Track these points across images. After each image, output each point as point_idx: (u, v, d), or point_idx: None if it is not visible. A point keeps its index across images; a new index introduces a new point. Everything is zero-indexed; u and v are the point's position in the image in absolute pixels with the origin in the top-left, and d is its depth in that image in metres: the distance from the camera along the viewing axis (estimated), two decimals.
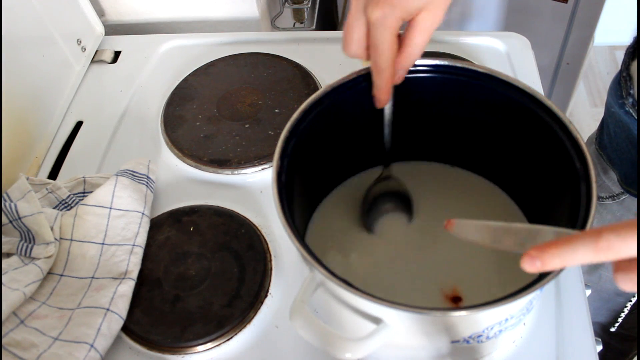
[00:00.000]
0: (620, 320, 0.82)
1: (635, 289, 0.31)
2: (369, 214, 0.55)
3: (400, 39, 0.43)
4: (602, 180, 0.69)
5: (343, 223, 0.56)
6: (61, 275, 0.54)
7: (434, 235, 0.55)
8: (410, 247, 0.54)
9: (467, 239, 0.39)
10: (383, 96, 0.45)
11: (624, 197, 0.68)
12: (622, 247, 0.30)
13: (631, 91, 0.59)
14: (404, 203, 0.55)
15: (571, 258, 0.32)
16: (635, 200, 0.67)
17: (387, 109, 0.48)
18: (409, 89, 0.51)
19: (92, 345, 0.48)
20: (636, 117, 0.60)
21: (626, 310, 0.81)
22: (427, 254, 0.53)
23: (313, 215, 0.56)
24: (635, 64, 0.59)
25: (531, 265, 0.32)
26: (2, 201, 0.55)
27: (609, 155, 0.68)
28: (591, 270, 0.77)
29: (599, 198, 0.70)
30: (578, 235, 0.32)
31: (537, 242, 0.36)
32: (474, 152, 0.56)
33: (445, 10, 0.42)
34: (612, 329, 0.85)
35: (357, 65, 0.49)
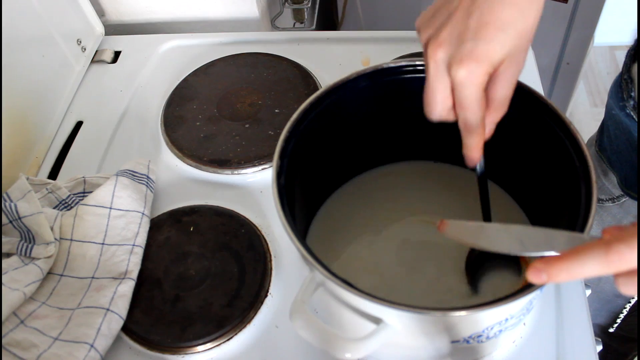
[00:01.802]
0: (619, 321, 0.82)
1: (636, 293, 0.31)
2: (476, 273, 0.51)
3: (486, 93, 0.40)
4: (601, 183, 0.69)
5: (345, 223, 0.56)
6: (61, 275, 0.54)
7: (435, 235, 0.54)
8: (411, 247, 0.54)
9: (461, 240, 0.39)
10: (476, 155, 0.42)
11: (623, 199, 0.68)
12: (633, 258, 0.29)
13: (632, 94, 0.59)
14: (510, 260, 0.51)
15: (579, 272, 0.31)
16: (635, 202, 0.67)
17: (479, 167, 0.45)
18: (409, 89, 0.51)
19: (92, 345, 0.48)
20: (637, 120, 0.60)
21: (625, 311, 0.81)
22: (428, 254, 0.53)
23: (316, 215, 0.56)
24: (636, 67, 0.59)
25: (537, 278, 0.32)
26: (2, 201, 0.55)
27: (609, 157, 0.67)
28: None
29: (599, 200, 0.70)
30: (586, 247, 0.31)
31: (535, 244, 0.35)
32: None
33: (526, 56, 0.40)
34: (611, 330, 0.85)
35: (357, 65, 0.49)
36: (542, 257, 0.32)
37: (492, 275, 0.50)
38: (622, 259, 0.30)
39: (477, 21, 0.37)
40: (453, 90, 0.39)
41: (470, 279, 0.50)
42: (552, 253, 0.34)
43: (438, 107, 0.41)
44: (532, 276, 0.32)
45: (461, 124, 0.41)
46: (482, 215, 0.48)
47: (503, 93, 0.40)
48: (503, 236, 0.37)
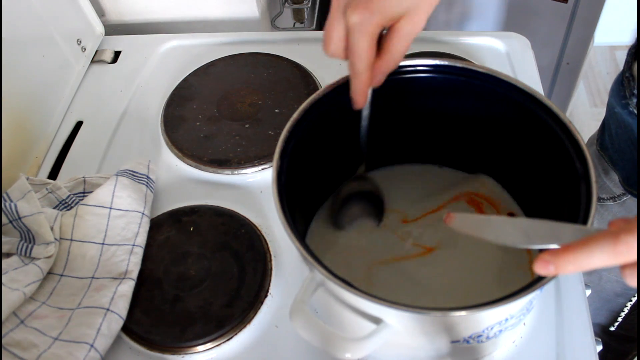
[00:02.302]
0: (620, 320, 0.82)
1: None
2: (340, 212, 0.55)
3: (380, 43, 0.42)
4: (602, 182, 0.69)
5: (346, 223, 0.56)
6: (61, 275, 0.54)
7: (436, 235, 0.55)
8: (412, 246, 0.54)
9: (467, 233, 0.39)
10: (359, 98, 0.45)
11: (625, 198, 0.68)
12: None
13: (634, 91, 0.59)
14: (376, 205, 0.55)
15: (587, 263, 0.31)
16: (636, 201, 0.67)
17: (365, 111, 0.48)
18: (409, 89, 0.51)
19: (92, 345, 0.48)
20: (638, 118, 0.60)
21: (626, 310, 0.81)
22: (429, 255, 0.53)
23: (315, 215, 0.56)
24: (637, 65, 0.59)
25: (544, 270, 0.32)
26: (2, 201, 0.55)
27: (611, 156, 0.67)
28: (591, 271, 0.77)
29: (600, 199, 0.70)
30: (593, 238, 0.31)
31: (540, 236, 0.35)
32: (473, 152, 0.56)
33: (428, 17, 0.41)
34: (612, 328, 0.85)
35: None
36: (549, 249, 0.32)
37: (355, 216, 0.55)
38: (629, 249, 0.30)
39: None
40: (346, 34, 0.42)
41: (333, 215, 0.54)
42: (557, 246, 0.34)
43: (333, 45, 0.43)
44: (539, 267, 0.32)
45: (349, 66, 0.43)
46: (363, 153, 0.52)
47: (396, 47, 0.42)
48: (509, 229, 0.38)
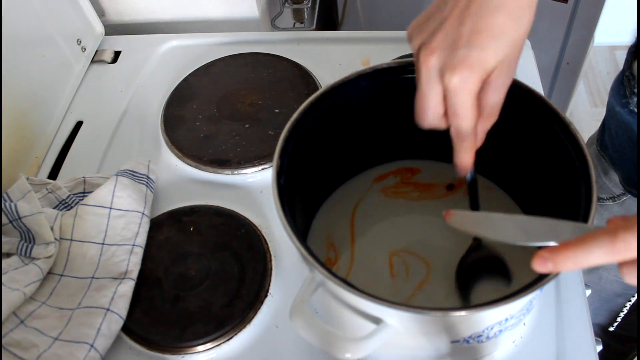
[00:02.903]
0: (619, 320, 0.82)
1: None
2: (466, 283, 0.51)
3: (477, 101, 0.39)
4: (602, 182, 0.69)
5: (346, 223, 0.56)
6: (61, 275, 0.54)
7: (434, 233, 0.55)
8: (413, 247, 0.54)
9: (466, 230, 0.39)
10: (467, 163, 0.42)
11: (624, 198, 0.68)
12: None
13: (635, 90, 0.58)
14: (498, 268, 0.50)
15: (585, 260, 0.31)
16: (636, 201, 0.67)
17: (470, 174, 0.45)
18: (409, 89, 0.51)
19: (92, 345, 0.48)
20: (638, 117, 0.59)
21: (625, 310, 0.81)
22: (430, 253, 0.53)
23: (316, 215, 0.56)
24: (637, 64, 0.59)
25: (542, 267, 0.32)
26: (2, 201, 0.55)
27: (611, 156, 0.67)
28: (591, 271, 0.77)
29: (600, 199, 0.70)
30: (591, 235, 0.31)
31: (539, 233, 0.35)
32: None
33: (517, 64, 0.39)
34: (611, 329, 0.85)
35: (357, 65, 0.49)
36: (549, 247, 0.32)
37: (482, 285, 0.49)
38: (628, 247, 0.30)
39: (470, 28, 0.37)
40: (445, 98, 0.39)
41: (460, 289, 0.50)
42: (557, 243, 0.34)
43: (430, 114, 0.40)
44: (537, 265, 0.32)
45: (453, 131, 0.40)
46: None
47: (495, 100, 0.39)
48: (507, 226, 0.37)
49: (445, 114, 0.40)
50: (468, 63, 0.37)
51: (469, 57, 0.37)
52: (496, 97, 0.39)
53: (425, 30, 0.39)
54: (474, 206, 0.47)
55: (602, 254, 0.30)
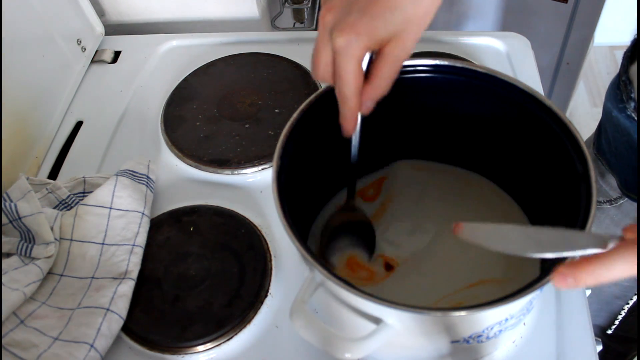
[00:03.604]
0: (617, 322, 0.82)
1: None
2: (329, 245, 0.52)
3: (368, 69, 0.40)
4: (599, 185, 0.69)
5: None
6: (61, 275, 0.54)
7: (434, 233, 0.55)
8: (414, 246, 0.54)
9: (477, 243, 0.38)
10: (349, 125, 0.43)
11: (621, 201, 0.68)
12: None
13: (632, 95, 0.58)
14: (367, 236, 0.53)
15: (607, 275, 0.30)
16: (634, 204, 0.67)
17: (355, 139, 0.46)
18: (409, 89, 0.51)
19: (92, 345, 0.48)
20: (637, 122, 0.59)
21: (623, 312, 0.80)
22: (431, 254, 0.53)
23: (317, 215, 0.56)
24: (634, 67, 0.59)
25: (563, 283, 0.31)
26: (2, 201, 0.55)
27: (608, 160, 0.67)
28: None
29: (597, 203, 0.70)
30: (612, 252, 0.30)
31: (553, 245, 0.34)
32: (473, 152, 0.56)
33: (417, 40, 0.40)
34: (609, 331, 0.85)
35: None
36: (567, 262, 0.32)
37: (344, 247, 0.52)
38: None
39: None
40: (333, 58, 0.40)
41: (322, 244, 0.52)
42: (571, 254, 0.34)
43: (320, 69, 0.41)
44: (558, 281, 0.31)
45: (337, 92, 0.41)
46: (347, 189, 0.50)
47: (384, 72, 0.40)
48: (519, 237, 0.36)
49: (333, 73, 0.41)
50: (355, 28, 0.38)
51: (359, 22, 0.38)
52: (386, 69, 0.40)
53: None
54: (352, 168, 0.48)
55: (625, 267, 0.30)
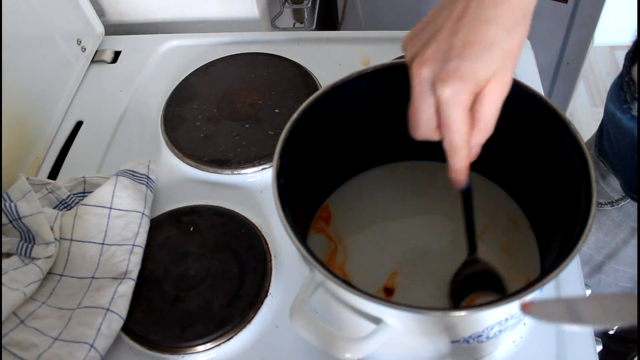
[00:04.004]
0: None
1: None
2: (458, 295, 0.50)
3: (471, 114, 0.39)
4: (600, 187, 0.69)
5: (346, 222, 0.56)
6: (61, 275, 0.54)
7: (433, 234, 0.55)
8: (413, 246, 0.54)
9: (549, 322, 0.36)
10: (461, 177, 0.42)
11: (623, 203, 0.67)
12: None
13: (636, 95, 0.58)
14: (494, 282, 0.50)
15: None
16: (635, 206, 0.66)
17: (465, 187, 0.44)
18: (409, 89, 0.51)
19: (92, 345, 0.48)
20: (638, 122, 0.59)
21: None
22: (429, 254, 0.53)
23: (316, 214, 0.56)
24: (636, 68, 0.58)
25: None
26: (2, 201, 0.55)
27: (611, 161, 0.67)
28: (591, 274, 0.77)
29: (598, 204, 0.69)
30: None
31: (624, 312, 0.33)
32: None
33: (512, 78, 0.39)
34: (611, 332, 0.85)
35: (357, 65, 0.49)
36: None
37: (474, 297, 0.49)
38: None
39: (462, 40, 0.37)
40: (438, 110, 0.39)
41: (454, 300, 0.49)
42: None
43: (422, 126, 0.40)
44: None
45: (446, 144, 0.40)
46: (467, 241, 0.48)
47: (488, 113, 0.39)
48: (596, 310, 0.34)
49: (439, 126, 0.39)
50: (459, 74, 0.36)
51: (461, 68, 0.36)
52: (490, 110, 0.39)
53: (419, 41, 0.39)
54: (469, 220, 0.46)
55: None
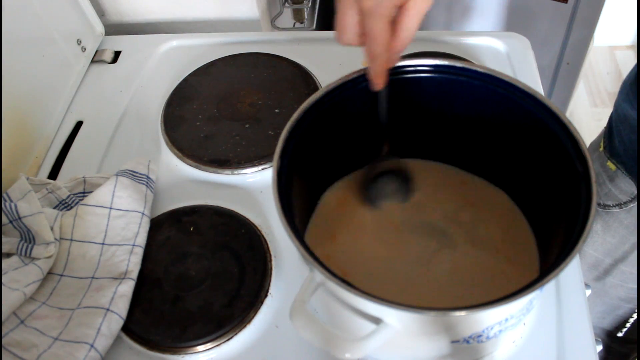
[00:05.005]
0: (628, 325, 0.82)
1: None
2: (370, 191, 0.56)
3: (393, 24, 0.43)
4: (608, 188, 0.68)
5: (343, 219, 0.56)
6: (61, 275, 0.54)
7: (432, 234, 0.55)
8: (410, 247, 0.54)
9: None
10: (379, 80, 0.46)
11: (631, 205, 0.67)
12: None
13: None
14: (404, 181, 0.56)
15: None
16: None
17: (383, 91, 0.48)
18: (409, 89, 0.51)
19: (92, 345, 0.48)
20: None
21: (635, 316, 0.80)
22: (430, 252, 0.53)
23: (312, 214, 0.56)
24: None
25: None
26: (2, 201, 0.55)
27: (624, 162, 0.66)
28: (600, 278, 0.76)
29: (606, 206, 0.69)
30: None
31: None
32: (473, 152, 0.56)
33: None
34: (620, 334, 0.84)
35: (357, 65, 0.49)
36: None
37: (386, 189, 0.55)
38: None
39: None
40: (361, 19, 0.42)
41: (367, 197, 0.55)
42: None
43: (347, 33, 0.43)
44: None
45: (367, 50, 0.44)
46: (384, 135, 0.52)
47: (409, 26, 0.42)
48: None
49: (361, 34, 0.43)
50: None
51: None
52: (411, 23, 0.42)
53: None
54: (382, 117, 0.50)
55: None
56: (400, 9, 0.42)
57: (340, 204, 0.57)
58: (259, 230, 0.58)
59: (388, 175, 0.56)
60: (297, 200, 0.49)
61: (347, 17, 0.42)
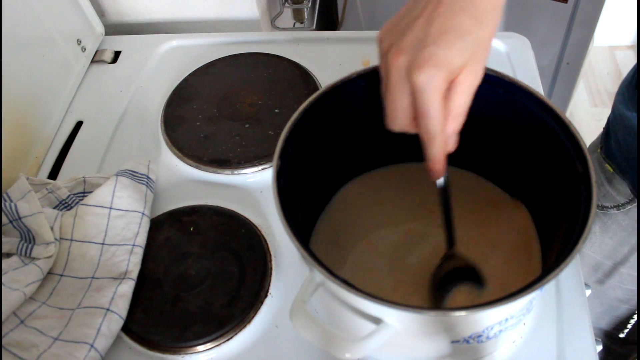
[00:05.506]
0: (629, 326, 0.82)
1: None
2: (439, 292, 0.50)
3: (445, 103, 0.39)
4: (606, 190, 0.68)
5: (349, 222, 0.56)
6: (61, 275, 0.54)
7: (430, 235, 0.55)
8: (411, 246, 0.54)
9: None
10: (439, 166, 0.42)
11: (629, 206, 0.67)
12: None
13: None
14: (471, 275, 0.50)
15: None
16: None
17: (442, 181, 0.44)
18: None
19: (92, 345, 0.48)
20: None
21: (635, 317, 0.80)
22: (432, 254, 0.53)
23: (321, 215, 0.56)
24: None
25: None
26: (2, 201, 0.55)
27: (619, 163, 0.65)
28: (602, 281, 0.76)
29: (604, 207, 0.69)
30: None
31: None
32: (473, 152, 0.56)
33: (484, 68, 0.40)
34: (622, 335, 0.84)
35: (357, 65, 0.49)
36: None
37: (456, 293, 0.49)
38: None
39: (437, 28, 0.38)
40: (414, 98, 0.39)
41: (434, 298, 0.49)
42: None
43: (399, 116, 0.40)
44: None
45: (422, 133, 0.40)
46: (446, 233, 0.48)
47: (461, 101, 0.39)
48: None
49: (415, 117, 0.40)
50: (434, 61, 0.37)
51: (436, 55, 0.37)
52: (463, 98, 0.39)
53: (396, 32, 0.40)
54: (447, 214, 0.46)
55: None
56: (450, 83, 0.39)
57: (351, 203, 0.57)
58: (259, 230, 0.58)
59: (456, 274, 0.49)
60: (300, 201, 0.49)
61: (398, 98, 0.39)
